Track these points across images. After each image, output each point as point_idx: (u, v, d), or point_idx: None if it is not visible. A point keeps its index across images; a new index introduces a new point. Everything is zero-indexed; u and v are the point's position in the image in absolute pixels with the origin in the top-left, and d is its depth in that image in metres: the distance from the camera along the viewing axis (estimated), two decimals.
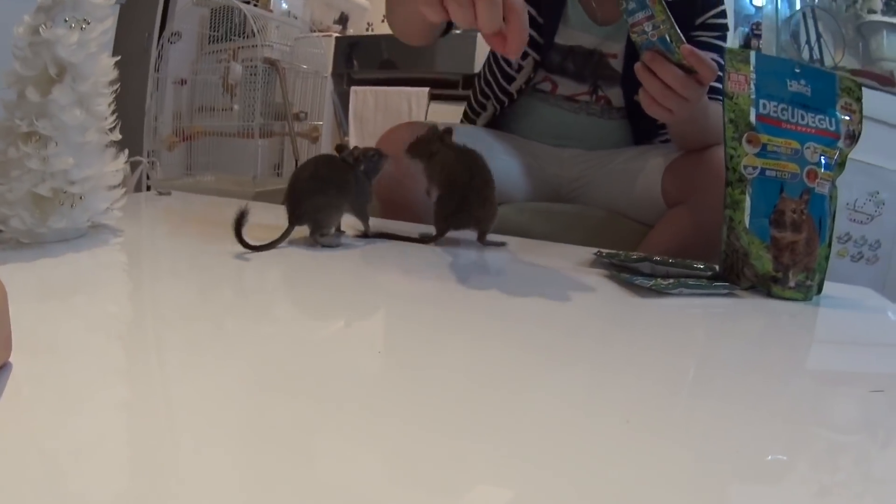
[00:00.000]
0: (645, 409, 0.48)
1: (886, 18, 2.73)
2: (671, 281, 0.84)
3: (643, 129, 1.46)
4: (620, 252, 0.99)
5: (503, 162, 1.42)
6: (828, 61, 2.75)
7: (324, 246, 0.95)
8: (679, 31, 0.94)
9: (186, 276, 0.80)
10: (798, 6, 2.82)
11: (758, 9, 2.77)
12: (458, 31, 1.30)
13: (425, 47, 1.28)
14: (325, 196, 0.96)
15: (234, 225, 0.86)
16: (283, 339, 0.59)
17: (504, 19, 0.75)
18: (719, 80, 1.27)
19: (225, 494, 0.33)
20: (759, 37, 2.75)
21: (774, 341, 0.74)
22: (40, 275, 0.74)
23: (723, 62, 1.30)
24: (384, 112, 2.90)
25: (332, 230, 0.99)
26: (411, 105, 2.86)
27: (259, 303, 0.73)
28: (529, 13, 1.33)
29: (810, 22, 2.76)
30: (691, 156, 1.26)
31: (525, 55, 1.38)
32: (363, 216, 1.04)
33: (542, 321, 0.68)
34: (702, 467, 0.40)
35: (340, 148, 1.02)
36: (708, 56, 1.28)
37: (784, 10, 2.81)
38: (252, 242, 0.87)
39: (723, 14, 1.35)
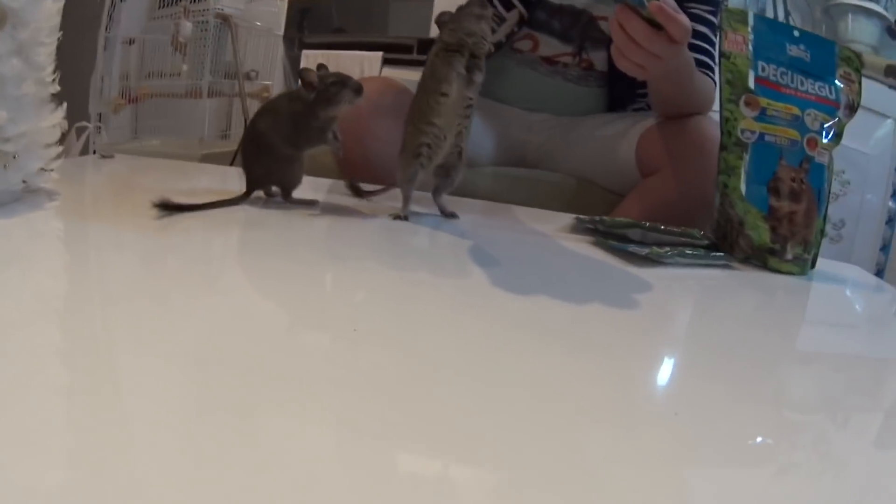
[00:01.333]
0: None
1: (854, 1, 2.72)
2: (667, 249, 0.78)
3: (620, 97, 1.39)
4: (605, 217, 0.92)
5: None
6: None
7: (298, 204, 0.87)
8: None
9: (127, 245, 0.71)
10: None
11: None
12: None
13: None
14: (276, 153, 0.85)
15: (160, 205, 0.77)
16: (227, 311, 0.53)
17: None
18: (705, 52, 1.24)
19: (171, 474, 0.30)
20: None
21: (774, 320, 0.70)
22: None
23: (712, 36, 1.27)
24: None
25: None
26: (364, 69, 2.74)
27: (203, 273, 0.65)
28: None
29: (779, 1, 2.74)
30: (670, 123, 1.19)
31: (510, 7, 1.30)
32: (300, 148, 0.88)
33: (531, 296, 0.62)
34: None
35: (305, 74, 0.85)
36: (695, 28, 1.23)
37: None
38: (185, 202, 0.77)
39: None
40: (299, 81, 0.85)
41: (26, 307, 0.49)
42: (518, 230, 0.91)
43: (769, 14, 2.70)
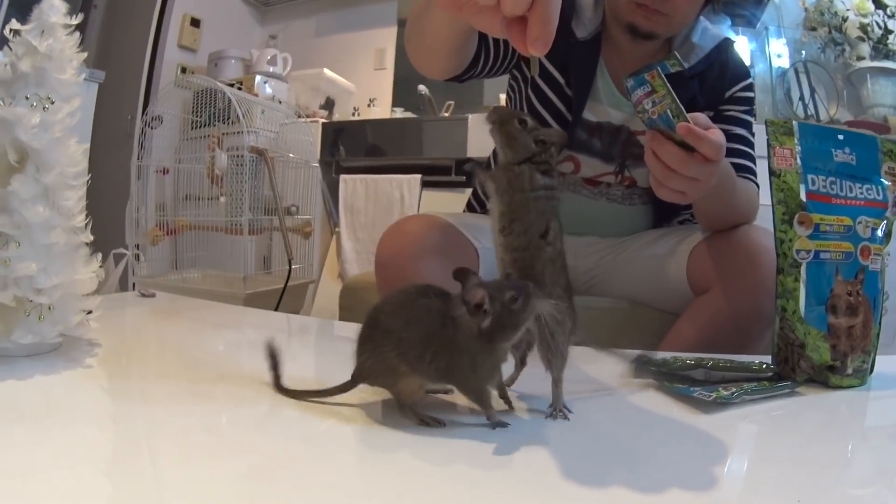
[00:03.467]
0: None
1: (875, 63, 2.71)
2: (733, 390, 0.73)
3: (666, 211, 1.36)
4: (667, 357, 0.85)
5: None
6: (823, 115, 2.73)
7: (416, 420, 0.64)
8: (681, 106, 0.84)
9: (174, 403, 0.68)
10: (789, 63, 2.80)
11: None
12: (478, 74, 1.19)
13: (450, 78, 1.13)
14: (393, 365, 0.63)
15: (272, 373, 0.69)
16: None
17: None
18: (745, 154, 1.21)
19: None
20: None
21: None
22: (4, 397, 0.65)
23: (749, 136, 1.25)
24: (375, 202, 2.75)
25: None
26: (403, 193, 2.70)
27: (244, 442, 0.59)
28: (559, 84, 1.24)
29: (802, 77, 2.74)
30: (717, 237, 1.16)
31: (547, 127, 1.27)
32: (477, 396, 0.64)
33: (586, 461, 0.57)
34: None
35: (470, 295, 0.60)
36: (732, 131, 1.21)
37: (777, 69, 2.79)
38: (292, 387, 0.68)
39: (751, 87, 1.28)
40: (462, 302, 0.60)
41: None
42: (579, 382, 0.78)
43: (794, 90, 2.69)
